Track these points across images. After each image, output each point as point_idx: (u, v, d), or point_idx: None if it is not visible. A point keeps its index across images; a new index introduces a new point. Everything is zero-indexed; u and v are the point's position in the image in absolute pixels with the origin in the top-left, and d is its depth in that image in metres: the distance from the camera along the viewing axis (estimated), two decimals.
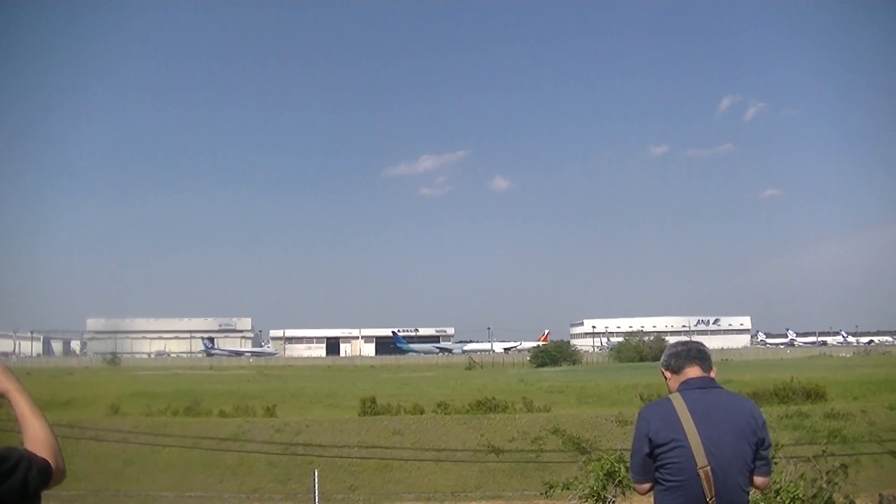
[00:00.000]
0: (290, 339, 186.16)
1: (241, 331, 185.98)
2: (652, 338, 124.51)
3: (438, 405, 45.38)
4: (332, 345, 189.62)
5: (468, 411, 43.19)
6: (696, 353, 5.02)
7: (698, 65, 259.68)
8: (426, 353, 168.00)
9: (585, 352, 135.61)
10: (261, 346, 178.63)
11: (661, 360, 5.16)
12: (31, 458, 2.66)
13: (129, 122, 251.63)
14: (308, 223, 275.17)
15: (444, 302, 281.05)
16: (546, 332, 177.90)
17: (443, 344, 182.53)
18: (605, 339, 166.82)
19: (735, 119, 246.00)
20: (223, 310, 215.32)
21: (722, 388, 4.96)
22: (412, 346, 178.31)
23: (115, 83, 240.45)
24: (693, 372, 4.94)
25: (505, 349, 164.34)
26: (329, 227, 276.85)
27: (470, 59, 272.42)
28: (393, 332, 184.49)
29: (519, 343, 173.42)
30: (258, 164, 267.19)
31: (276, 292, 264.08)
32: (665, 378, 5.10)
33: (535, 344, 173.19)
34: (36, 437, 2.76)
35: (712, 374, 5.02)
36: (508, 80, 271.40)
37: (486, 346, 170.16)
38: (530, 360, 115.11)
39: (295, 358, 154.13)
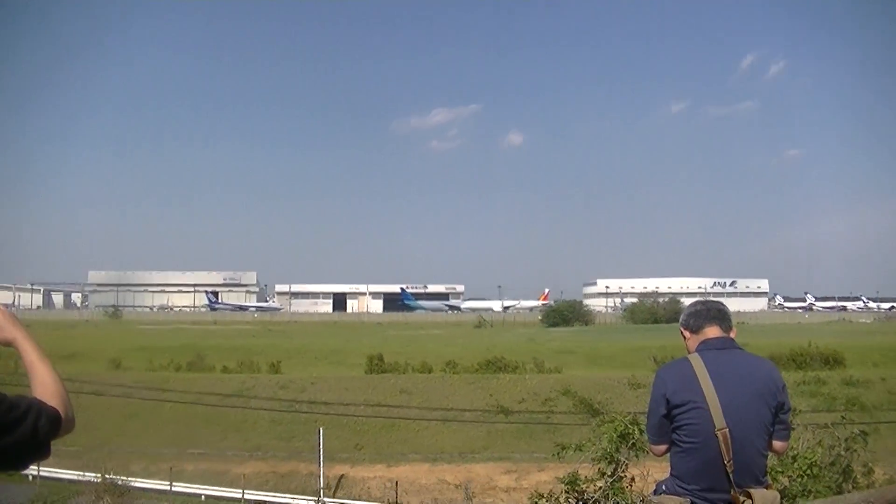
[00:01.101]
0: (296, 295, 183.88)
1: (245, 285, 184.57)
2: (667, 299, 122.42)
3: (447, 364, 45.47)
4: (339, 301, 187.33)
5: (477, 371, 43.30)
6: (715, 313, 4.94)
7: (720, 20, 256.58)
8: (435, 310, 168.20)
9: (598, 312, 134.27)
10: (266, 302, 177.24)
11: (681, 319, 5.07)
12: (41, 407, 2.68)
13: (134, 73, 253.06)
14: (315, 176, 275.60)
15: (454, 259, 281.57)
16: (546, 291, 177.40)
17: (452, 301, 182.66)
18: (618, 300, 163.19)
19: (757, 77, 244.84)
20: (228, 263, 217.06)
21: (742, 348, 4.88)
22: (420, 303, 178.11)
23: (121, 32, 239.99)
24: (712, 332, 4.86)
25: (504, 308, 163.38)
26: (337, 180, 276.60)
27: (485, 11, 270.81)
28: (401, 289, 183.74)
29: (517, 302, 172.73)
30: (266, 116, 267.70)
31: (283, 246, 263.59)
32: (684, 338, 4.99)
33: (535, 303, 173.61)
34: (45, 385, 2.79)
35: (732, 335, 4.94)
36: (524, 33, 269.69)
37: (489, 303, 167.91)
38: (541, 320, 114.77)
39: (301, 314, 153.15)
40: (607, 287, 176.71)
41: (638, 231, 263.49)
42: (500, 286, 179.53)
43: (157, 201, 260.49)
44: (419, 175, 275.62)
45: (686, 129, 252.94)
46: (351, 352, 54.94)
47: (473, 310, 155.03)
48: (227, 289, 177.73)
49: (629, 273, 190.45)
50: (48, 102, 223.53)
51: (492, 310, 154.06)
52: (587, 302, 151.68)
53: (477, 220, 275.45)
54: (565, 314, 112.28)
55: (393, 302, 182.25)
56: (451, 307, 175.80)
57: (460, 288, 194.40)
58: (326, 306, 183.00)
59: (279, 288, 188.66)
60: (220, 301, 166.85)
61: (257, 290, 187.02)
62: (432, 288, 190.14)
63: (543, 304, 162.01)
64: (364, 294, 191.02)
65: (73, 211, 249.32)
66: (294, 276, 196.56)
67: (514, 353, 48.88)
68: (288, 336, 77.59)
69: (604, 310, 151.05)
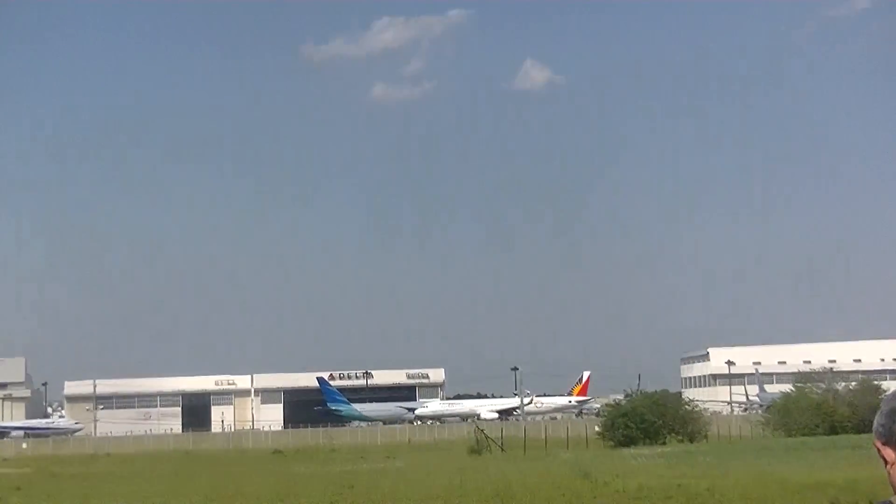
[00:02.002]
0: (108, 400, 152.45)
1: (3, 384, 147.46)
2: (854, 384, 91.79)
3: None
4: (196, 408, 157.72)
5: None
6: None
7: None
8: (388, 420, 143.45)
9: (714, 413, 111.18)
10: (47, 416, 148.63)
11: (875, 424, 3.43)
12: None
13: None
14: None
15: (422, 322, 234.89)
16: (584, 376, 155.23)
17: (423, 402, 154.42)
18: (753, 388, 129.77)
19: None
20: None
21: None
22: (360, 407, 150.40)
23: None
24: None
25: (500, 412, 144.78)
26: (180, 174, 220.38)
27: None
28: (320, 381, 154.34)
29: (529, 400, 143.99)
30: None
31: (74, 315, 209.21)
32: (883, 461, 3.35)
33: (566, 400, 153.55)
34: None
35: None
36: None
37: (491, 403, 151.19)
38: (601, 432, 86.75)
39: (115, 438, 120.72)
40: (730, 362, 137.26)
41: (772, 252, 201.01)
42: (517, 369, 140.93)
43: None
44: (347, 152, 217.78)
45: None
46: None
47: (463, 417, 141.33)
48: None
49: (767, 334, 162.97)
50: None
51: (497, 415, 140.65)
52: (691, 394, 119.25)
53: (463, 246, 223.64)
54: (648, 420, 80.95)
55: (304, 406, 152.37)
56: (422, 417, 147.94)
57: (436, 375, 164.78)
58: (172, 420, 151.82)
59: (72, 389, 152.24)
60: None
61: (28, 393, 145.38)
62: (383, 377, 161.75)
63: (579, 402, 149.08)
64: (246, 393, 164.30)
65: None
66: (103, 366, 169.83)
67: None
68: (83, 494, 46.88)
69: (725, 408, 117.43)
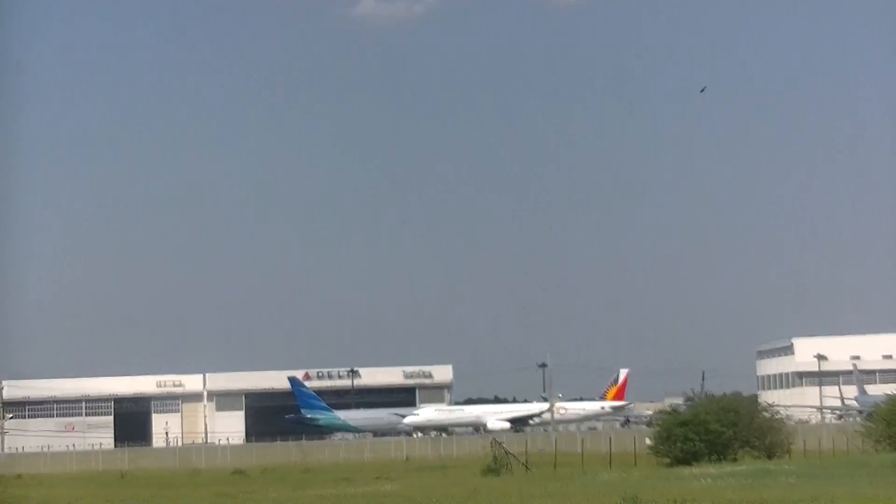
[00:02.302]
0: (16, 407, 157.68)
1: None
2: None
3: None
4: (132, 416, 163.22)
5: None
6: None
7: None
8: (380, 430, 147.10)
9: (798, 420, 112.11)
10: None
11: None
12: None
13: None
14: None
15: (421, 311, 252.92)
16: (622, 375, 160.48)
17: (421, 410, 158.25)
18: (850, 388, 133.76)
19: None
20: None
21: None
22: (341, 415, 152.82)
23: None
24: None
25: (511, 422, 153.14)
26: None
27: None
28: (291, 380, 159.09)
29: (549, 406, 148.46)
30: None
31: None
32: None
33: (597, 406, 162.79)
34: None
35: None
36: None
37: (507, 410, 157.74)
38: (653, 445, 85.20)
39: (27, 455, 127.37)
40: (820, 356, 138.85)
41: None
42: (545, 366, 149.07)
43: None
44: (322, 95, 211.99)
45: None
46: None
47: (471, 427, 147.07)
48: None
49: (863, 322, 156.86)
50: None
51: (508, 424, 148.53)
52: (771, 397, 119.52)
53: (472, 212, 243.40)
54: (715, 430, 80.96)
55: (271, 414, 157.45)
56: (422, 427, 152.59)
57: (442, 373, 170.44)
58: (102, 432, 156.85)
59: None
60: None
61: None
62: (373, 376, 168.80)
63: (615, 408, 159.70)
64: (197, 397, 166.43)
65: None
66: (13, 364, 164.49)
67: None
68: None
69: (815, 414, 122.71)
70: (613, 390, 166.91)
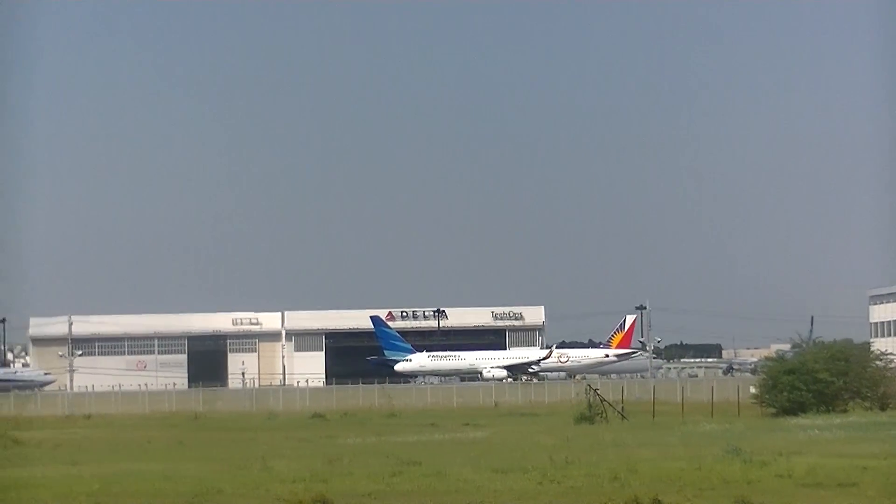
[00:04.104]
0: (86, 344, 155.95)
1: None
2: None
3: None
4: (207, 355, 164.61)
5: None
6: None
7: None
8: (466, 373, 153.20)
9: None
10: (5, 364, 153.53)
11: None
12: None
13: None
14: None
15: (512, 247, 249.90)
16: (627, 321, 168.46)
17: (412, 356, 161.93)
18: None
19: None
20: None
21: None
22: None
23: None
24: None
25: (508, 369, 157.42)
26: None
27: None
28: (374, 320, 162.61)
29: (547, 353, 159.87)
30: None
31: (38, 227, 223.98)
32: None
33: (601, 353, 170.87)
34: None
35: None
36: None
37: (520, 353, 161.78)
38: (757, 394, 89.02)
39: (96, 394, 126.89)
40: None
41: None
42: (643, 308, 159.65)
43: None
44: None
45: None
46: None
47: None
48: None
49: None
50: None
51: (505, 372, 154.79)
52: (884, 345, 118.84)
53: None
54: (823, 380, 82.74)
55: (353, 355, 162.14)
56: (413, 374, 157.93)
57: (533, 314, 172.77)
58: (175, 372, 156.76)
59: (40, 328, 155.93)
60: None
61: None
62: (460, 317, 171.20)
63: (619, 355, 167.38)
64: (275, 336, 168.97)
65: None
66: (82, 299, 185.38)
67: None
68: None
69: None
70: (619, 337, 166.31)
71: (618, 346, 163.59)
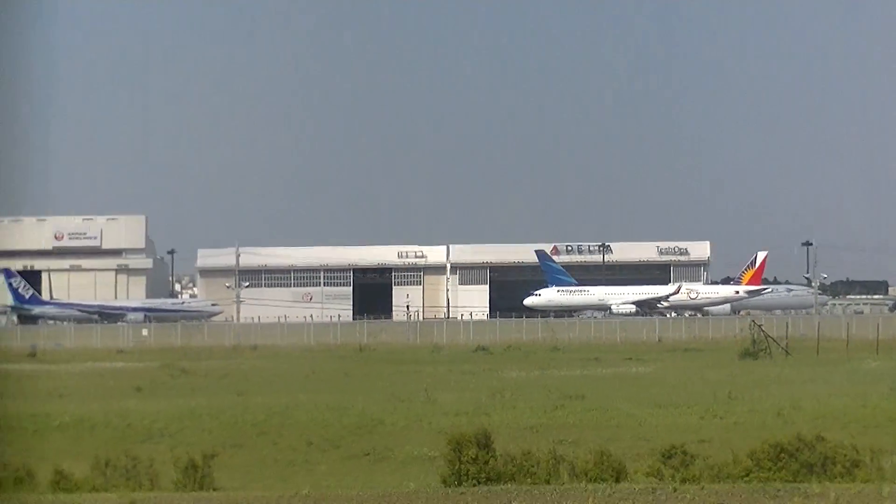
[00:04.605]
0: (253, 275, 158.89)
1: (118, 251, 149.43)
2: None
3: None
4: (372, 287, 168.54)
5: None
6: None
7: None
8: (595, 308, 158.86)
9: None
10: (174, 295, 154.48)
11: None
12: None
13: None
14: None
15: (678, 183, 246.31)
16: (759, 257, 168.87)
17: (542, 291, 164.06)
18: None
19: None
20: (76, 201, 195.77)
21: None
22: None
23: None
24: None
25: (637, 304, 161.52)
26: None
27: None
28: (539, 254, 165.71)
29: (676, 288, 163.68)
30: None
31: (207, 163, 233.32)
32: None
33: (731, 290, 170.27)
34: None
35: None
36: None
37: (648, 289, 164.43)
38: None
39: (263, 326, 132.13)
40: None
41: None
42: (810, 244, 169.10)
43: None
44: None
45: None
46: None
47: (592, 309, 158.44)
48: (56, 260, 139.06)
49: None
50: None
51: (634, 308, 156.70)
52: None
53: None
54: None
55: (517, 289, 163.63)
56: (543, 308, 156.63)
57: (699, 250, 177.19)
58: (340, 304, 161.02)
59: (208, 259, 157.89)
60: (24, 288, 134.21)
61: (149, 264, 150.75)
62: (625, 251, 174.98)
63: (750, 292, 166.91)
64: (440, 270, 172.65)
65: None
66: (249, 232, 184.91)
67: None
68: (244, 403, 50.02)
69: None
70: (750, 273, 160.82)
71: (748, 283, 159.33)
